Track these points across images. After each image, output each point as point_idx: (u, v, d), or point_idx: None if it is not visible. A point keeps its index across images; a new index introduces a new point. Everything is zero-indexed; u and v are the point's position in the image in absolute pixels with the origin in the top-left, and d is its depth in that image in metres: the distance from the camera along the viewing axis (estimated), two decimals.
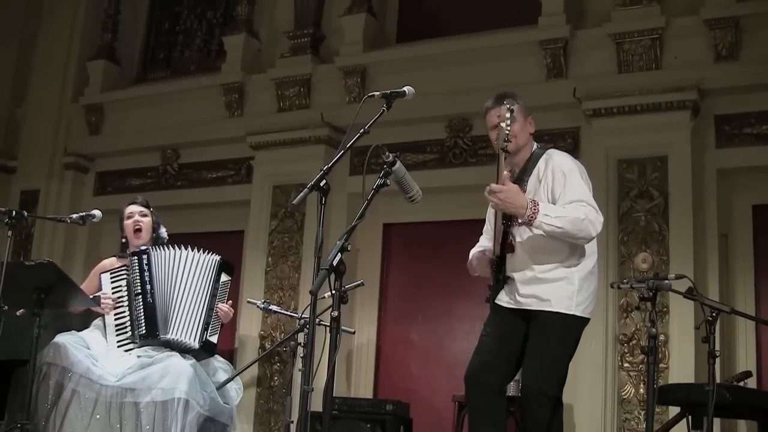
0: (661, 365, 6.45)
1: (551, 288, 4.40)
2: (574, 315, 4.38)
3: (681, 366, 6.47)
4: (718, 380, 4.79)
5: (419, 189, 4.00)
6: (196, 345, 5.22)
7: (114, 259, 5.66)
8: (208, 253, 5.47)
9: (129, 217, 5.61)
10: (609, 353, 6.73)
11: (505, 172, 4.38)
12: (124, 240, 5.66)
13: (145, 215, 5.64)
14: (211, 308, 5.35)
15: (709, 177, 6.98)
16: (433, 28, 8.57)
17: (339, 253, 3.48)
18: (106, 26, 10.33)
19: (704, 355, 4.67)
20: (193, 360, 5.12)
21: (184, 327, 5.24)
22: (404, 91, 3.97)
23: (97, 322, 5.37)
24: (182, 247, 5.44)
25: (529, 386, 4.39)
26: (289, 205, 8.36)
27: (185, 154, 9.55)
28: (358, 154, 7.94)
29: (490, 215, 4.79)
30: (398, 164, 3.81)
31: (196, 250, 5.45)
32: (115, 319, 5.25)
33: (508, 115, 4.35)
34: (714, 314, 4.57)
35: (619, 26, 7.25)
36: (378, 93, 3.95)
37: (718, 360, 4.62)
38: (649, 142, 6.98)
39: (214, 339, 5.34)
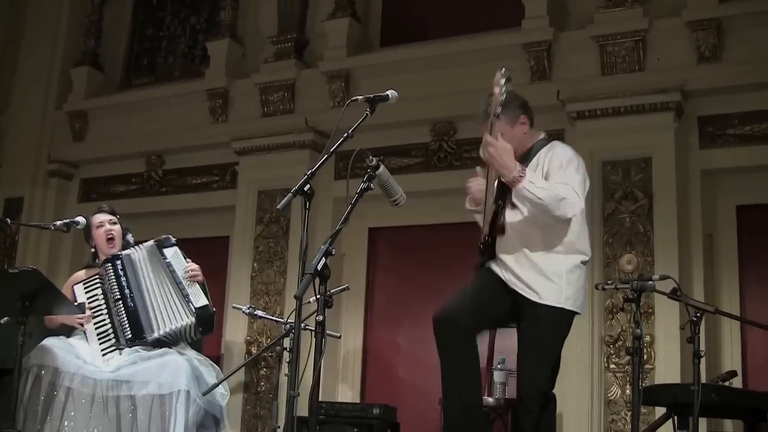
0: (646, 366, 6.46)
1: (540, 280, 4.44)
2: (563, 308, 4.42)
3: (667, 366, 6.49)
4: (703, 380, 4.80)
5: (403, 193, 4.01)
6: (191, 319, 5.20)
7: (84, 271, 5.62)
8: (141, 243, 5.51)
9: (99, 226, 5.58)
10: (595, 354, 6.75)
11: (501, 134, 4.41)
12: (93, 249, 5.63)
13: (114, 223, 5.62)
14: (178, 283, 5.30)
15: (693, 178, 7.00)
16: (417, 31, 8.58)
17: (324, 258, 3.48)
18: (90, 32, 10.27)
19: (689, 356, 4.68)
20: (188, 356, 5.09)
21: (169, 316, 5.22)
22: (387, 95, 3.98)
23: (78, 332, 5.32)
24: (130, 247, 5.51)
25: (526, 386, 4.44)
26: (274, 210, 8.35)
27: (170, 160, 9.52)
28: (342, 159, 7.92)
29: (482, 189, 4.76)
30: (382, 168, 3.82)
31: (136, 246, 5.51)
32: (96, 328, 5.22)
33: (502, 81, 4.35)
34: (699, 314, 4.58)
35: (602, 28, 7.27)
36: (361, 97, 3.96)
37: (703, 360, 4.64)
38: (633, 144, 6.99)
39: (202, 302, 5.25)
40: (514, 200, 4.52)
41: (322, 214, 7.90)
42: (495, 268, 4.61)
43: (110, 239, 5.55)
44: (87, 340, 5.19)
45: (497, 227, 4.56)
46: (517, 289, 4.47)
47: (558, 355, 4.53)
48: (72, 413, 4.75)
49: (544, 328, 4.43)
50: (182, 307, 5.24)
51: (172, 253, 5.45)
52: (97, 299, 5.33)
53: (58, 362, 4.85)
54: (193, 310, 5.22)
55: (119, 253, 5.46)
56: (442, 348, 4.55)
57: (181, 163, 9.43)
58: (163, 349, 5.07)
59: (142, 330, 5.18)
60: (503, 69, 4.42)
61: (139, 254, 5.45)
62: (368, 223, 8.27)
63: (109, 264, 5.38)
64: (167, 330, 5.19)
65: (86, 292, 5.35)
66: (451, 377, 4.51)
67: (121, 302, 5.25)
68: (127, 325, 5.19)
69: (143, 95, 9.78)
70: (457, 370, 4.49)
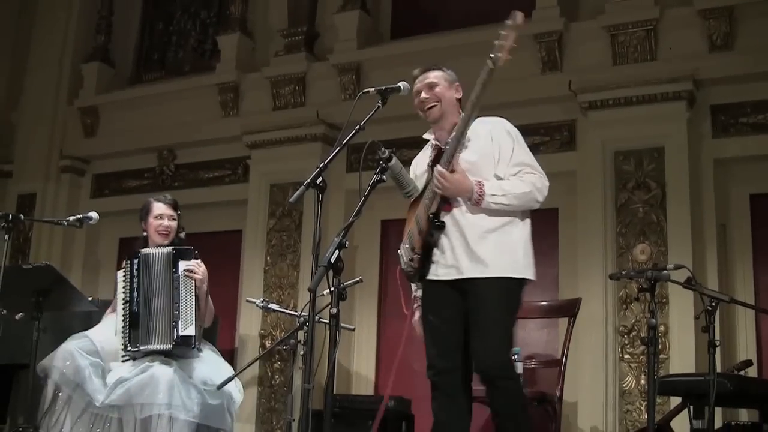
0: (661, 356, 6.45)
1: (495, 252, 4.25)
2: (512, 277, 4.26)
3: (681, 356, 6.47)
4: (718, 370, 4.79)
5: (416, 184, 4.01)
6: (169, 346, 4.94)
7: None
8: (164, 249, 5.19)
9: (159, 217, 5.30)
10: (609, 345, 6.73)
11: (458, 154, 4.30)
12: (145, 234, 5.34)
13: (174, 219, 5.33)
14: (175, 303, 5.00)
15: (705, 167, 6.97)
16: (427, 23, 8.57)
17: (337, 250, 3.48)
18: (100, 28, 10.30)
19: (704, 345, 4.67)
20: (176, 365, 4.87)
21: (161, 332, 4.96)
22: (399, 86, 4.00)
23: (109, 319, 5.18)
24: (155, 247, 5.24)
25: (489, 365, 4.26)
26: (286, 204, 8.34)
27: (181, 154, 9.53)
28: (354, 151, 7.93)
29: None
30: (394, 160, 3.83)
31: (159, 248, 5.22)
32: (122, 320, 5.02)
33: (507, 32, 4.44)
34: (713, 304, 4.57)
35: (613, 18, 7.25)
36: (373, 89, 3.97)
37: (718, 349, 4.63)
38: (645, 134, 6.97)
39: (188, 332, 4.96)
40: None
41: (334, 206, 7.90)
42: (441, 272, 4.40)
43: (164, 234, 5.30)
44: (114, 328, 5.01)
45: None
46: (468, 275, 4.26)
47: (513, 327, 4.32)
48: (65, 418, 4.71)
49: (493, 302, 4.23)
50: (168, 331, 4.96)
51: (184, 267, 5.10)
52: (125, 291, 5.08)
53: (68, 367, 4.74)
54: (175, 339, 4.94)
55: (140, 251, 5.17)
56: (443, 399, 4.50)
57: (192, 157, 9.44)
58: (145, 364, 4.84)
59: (138, 340, 4.94)
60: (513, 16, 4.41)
61: (156, 258, 5.13)
62: (381, 215, 8.25)
63: (128, 261, 5.11)
64: (154, 347, 4.94)
65: (121, 280, 5.11)
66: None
67: (127, 305, 5.01)
68: (128, 331, 4.96)
69: (154, 90, 9.81)
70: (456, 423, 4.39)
